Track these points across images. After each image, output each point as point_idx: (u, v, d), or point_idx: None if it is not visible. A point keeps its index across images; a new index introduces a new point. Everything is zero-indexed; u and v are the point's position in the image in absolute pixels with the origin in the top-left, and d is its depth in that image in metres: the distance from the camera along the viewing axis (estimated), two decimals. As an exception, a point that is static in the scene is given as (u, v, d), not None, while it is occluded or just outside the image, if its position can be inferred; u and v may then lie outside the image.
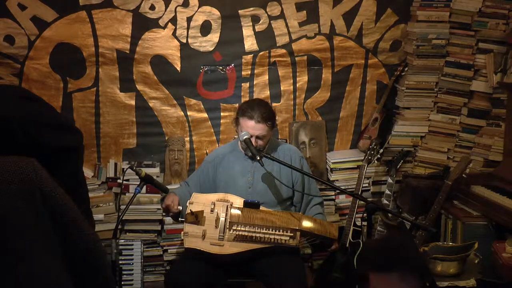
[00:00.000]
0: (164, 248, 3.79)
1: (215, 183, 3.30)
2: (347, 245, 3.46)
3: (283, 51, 3.92)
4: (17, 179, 1.65)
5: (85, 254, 1.75)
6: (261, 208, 3.08)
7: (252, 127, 3.11)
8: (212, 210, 3.06)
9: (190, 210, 3.04)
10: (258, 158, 3.03)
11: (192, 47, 3.82)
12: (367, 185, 3.96)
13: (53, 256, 1.69)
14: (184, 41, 3.80)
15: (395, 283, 2.03)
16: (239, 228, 2.99)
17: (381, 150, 3.73)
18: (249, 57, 3.89)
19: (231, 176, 3.27)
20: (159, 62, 3.81)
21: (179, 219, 3.08)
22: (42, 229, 1.66)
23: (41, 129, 2.25)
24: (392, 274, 2.04)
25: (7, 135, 2.19)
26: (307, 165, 3.47)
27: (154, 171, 3.74)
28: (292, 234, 3.01)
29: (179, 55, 3.82)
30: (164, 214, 3.46)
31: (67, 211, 1.72)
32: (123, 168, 3.75)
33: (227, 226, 3.01)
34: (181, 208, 3.08)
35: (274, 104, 3.98)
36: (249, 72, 3.91)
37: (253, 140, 3.12)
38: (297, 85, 4.00)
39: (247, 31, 3.85)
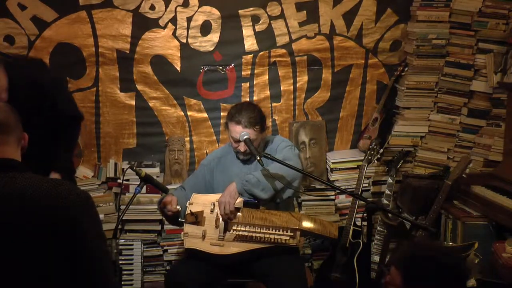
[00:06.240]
0: (164, 248, 3.79)
1: (213, 186, 3.29)
2: (347, 245, 3.46)
3: (283, 51, 3.92)
4: (61, 210, 1.67)
5: None
6: (261, 208, 3.08)
7: (239, 132, 3.08)
8: (212, 211, 3.06)
9: (190, 210, 3.03)
10: (258, 158, 3.03)
11: (192, 47, 3.82)
12: (367, 185, 3.96)
13: None
14: (184, 41, 3.80)
15: None
16: (239, 228, 2.99)
17: (381, 150, 3.72)
18: (249, 57, 3.89)
19: (229, 178, 3.25)
20: (159, 62, 3.81)
21: (179, 219, 3.08)
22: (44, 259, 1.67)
23: (63, 98, 2.96)
24: None
25: (40, 99, 2.78)
26: (289, 155, 3.18)
27: (154, 171, 3.75)
28: (292, 234, 3.00)
29: (179, 55, 3.82)
30: (162, 216, 3.44)
31: (97, 259, 1.73)
32: (123, 168, 3.76)
33: (227, 226, 3.01)
34: (179, 208, 3.06)
35: (274, 104, 3.99)
36: (249, 72, 3.91)
37: (241, 144, 3.10)
38: (297, 85, 4.00)
39: (247, 31, 3.85)
